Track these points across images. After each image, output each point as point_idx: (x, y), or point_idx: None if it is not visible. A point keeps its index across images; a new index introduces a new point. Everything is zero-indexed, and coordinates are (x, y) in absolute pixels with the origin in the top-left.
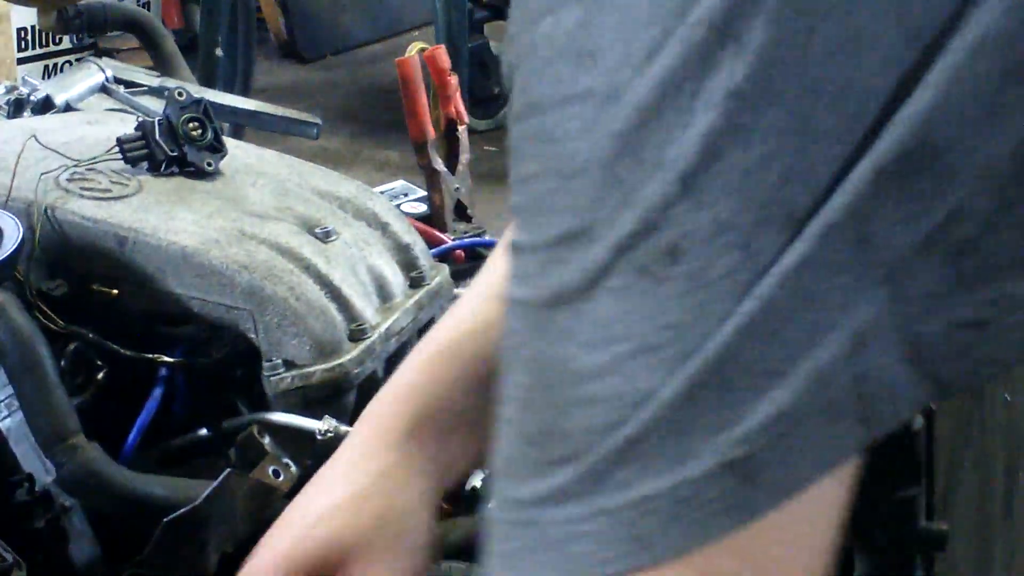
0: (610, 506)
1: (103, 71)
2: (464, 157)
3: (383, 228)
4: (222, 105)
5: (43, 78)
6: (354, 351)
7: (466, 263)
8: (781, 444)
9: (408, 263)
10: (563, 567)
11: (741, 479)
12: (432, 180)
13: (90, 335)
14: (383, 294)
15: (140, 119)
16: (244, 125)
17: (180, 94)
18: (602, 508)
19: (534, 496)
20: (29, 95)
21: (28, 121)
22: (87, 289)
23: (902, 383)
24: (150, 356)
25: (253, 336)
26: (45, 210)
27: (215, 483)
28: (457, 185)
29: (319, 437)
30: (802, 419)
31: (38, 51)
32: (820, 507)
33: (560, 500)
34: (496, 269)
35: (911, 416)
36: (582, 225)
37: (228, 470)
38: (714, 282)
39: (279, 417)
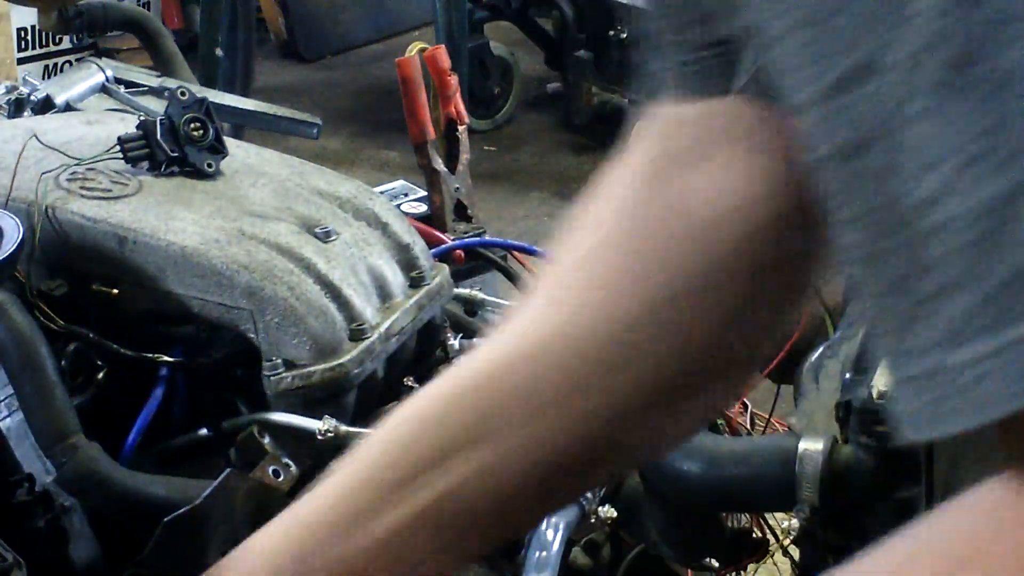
0: (1009, 340)
1: (103, 71)
2: (464, 157)
3: (383, 228)
4: (222, 105)
5: (43, 78)
6: (354, 351)
7: (466, 263)
8: None
9: (408, 263)
10: (973, 410)
11: None
12: (432, 180)
13: (90, 335)
14: (383, 294)
15: (141, 119)
16: (244, 125)
17: (183, 93)
18: (999, 345)
19: (926, 344)
20: (29, 95)
21: (28, 121)
22: (87, 289)
23: None
24: (150, 356)
25: (253, 336)
26: (45, 210)
27: (215, 483)
28: (457, 185)
29: (319, 437)
30: None
31: (38, 51)
32: None
33: (955, 342)
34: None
35: None
36: (859, 61)
37: (228, 470)
38: (1013, 78)
39: (279, 417)
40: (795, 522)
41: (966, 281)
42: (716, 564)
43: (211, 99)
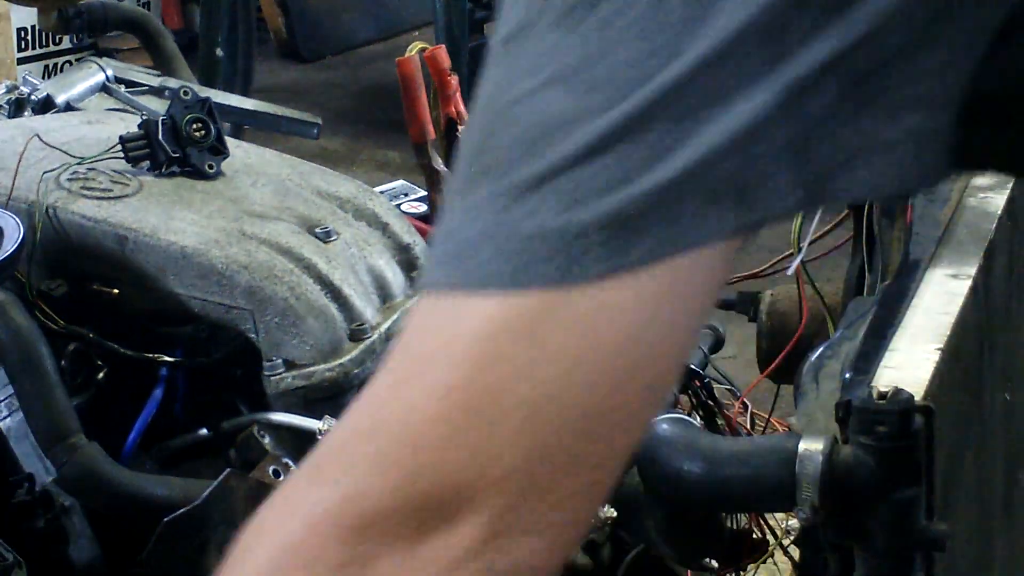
0: (509, 230)
1: (103, 71)
2: None
3: (383, 228)
4: (222, 105)
5: (43, 78)
6: (354, 351)
7: None
8: (663, 210)
9: (408, 263)
10: (464, 274)
11: (623, 233)
12: (432, 180)
13: (90, 335)
14: (383, 294)
15: (144, 118)
16: (244, 125)
17: (186, 93)
18: (502, 230)
19: (459, 209)
20: (29, 95)
21: (29, 121)
22: (87, 289)
23: (780, 184)
24: (150, 356)
25: (253, 336)
26: (46, 210)
27: (215, 483)
28: None
29: (319, 437)
30: (685, 191)
31: (38, 51)
32: (688, 278)
33: (475, 215)
34: None
35: (783, 215)
36: None
37: (228, 470)
38: (622, 29)
39: (279, 417)
40: (795, 522)
41: (500, 170)
42: (716, 564)
43: (211, 99)
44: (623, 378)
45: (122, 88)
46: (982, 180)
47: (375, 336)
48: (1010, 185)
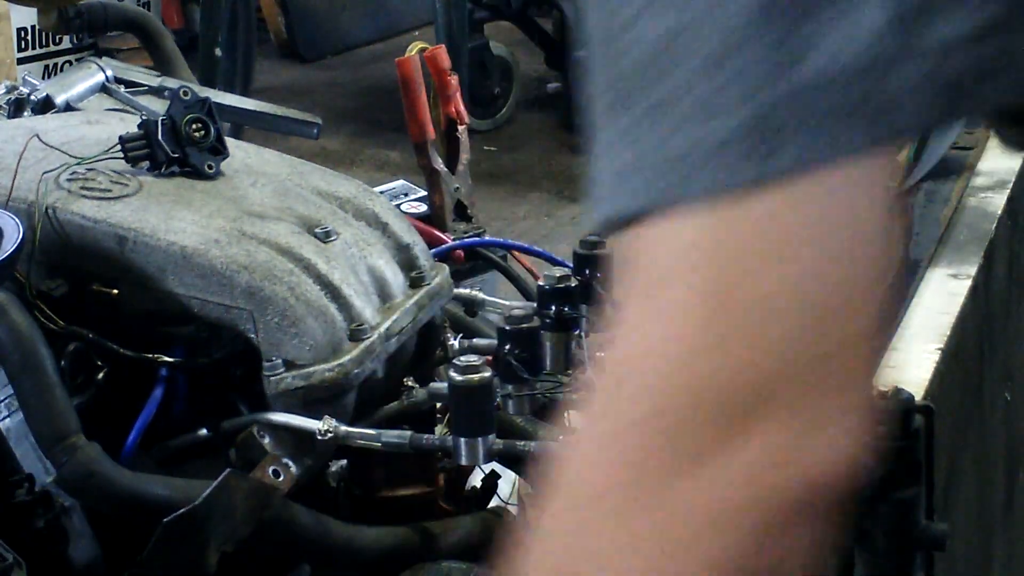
0: (659, 149)
1: (103, 71)
2: (464, 157)
3: (383, 228)
4: (222, 105)
5: (43, 78)
6: (354, 351)
7: (466, 263)
8: (801, 117)
9: (408, 263)
10: (617, 197)
11: (766, 139)
12: (432, 180)
13: (90, 335)
14: (383, 294)
15: (143, 118)
16: (244, 125)
17: (185, 93)
18: (652, 151)
19: (605, 143)
20: (29, 95)
21: (28, 121)
22: (87, 289)
23: (916, 98)
24: (150, 356)
25: (253, 336)
26: (46, 210)
27: (215, 483)
28: (457, 185)
29: (319, 437)
30: (821, 98)
31: (38, 51)
32: (843, 192)
33: (623, 144)
34: None
35: (919, 132)
36: None
37: (228, 470)
38: None
39: (279, 417)
40: None
41: (636, 96)
42: None
43: (211, 99)
44: (837, 257)
45: (122, 88)
46: (982, 180)
47: (375, 336)
48: (1010, 185)
